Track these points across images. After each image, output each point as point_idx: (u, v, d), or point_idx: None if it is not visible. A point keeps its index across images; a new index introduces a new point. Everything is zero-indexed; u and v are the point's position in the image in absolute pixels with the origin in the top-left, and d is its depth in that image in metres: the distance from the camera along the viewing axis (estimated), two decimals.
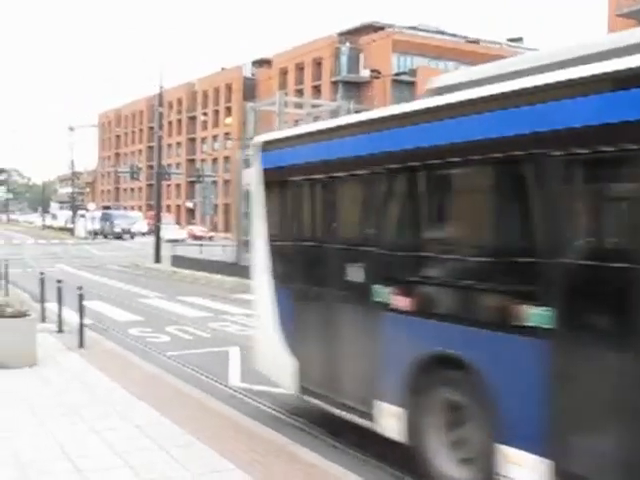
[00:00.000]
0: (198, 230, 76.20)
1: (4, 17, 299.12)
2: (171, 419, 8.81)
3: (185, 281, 31.27)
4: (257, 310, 10.38)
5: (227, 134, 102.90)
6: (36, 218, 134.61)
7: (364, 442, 8.33)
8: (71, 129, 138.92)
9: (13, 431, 8.30)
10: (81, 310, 13.77)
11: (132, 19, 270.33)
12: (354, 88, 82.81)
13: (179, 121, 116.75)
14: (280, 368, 9.68)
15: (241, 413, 9.41)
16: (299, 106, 38.00)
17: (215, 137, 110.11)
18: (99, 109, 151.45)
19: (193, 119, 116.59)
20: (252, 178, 10.54)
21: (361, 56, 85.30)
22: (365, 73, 79.10)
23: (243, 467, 7.21)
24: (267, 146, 10.25)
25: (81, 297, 13.82)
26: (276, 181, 9.96)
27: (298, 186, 9.48)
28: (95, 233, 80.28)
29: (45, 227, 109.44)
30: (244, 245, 29.85)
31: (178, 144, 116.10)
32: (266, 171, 10.12)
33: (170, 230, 67.63)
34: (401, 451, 7.63)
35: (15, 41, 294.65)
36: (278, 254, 9.85)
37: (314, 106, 39.06)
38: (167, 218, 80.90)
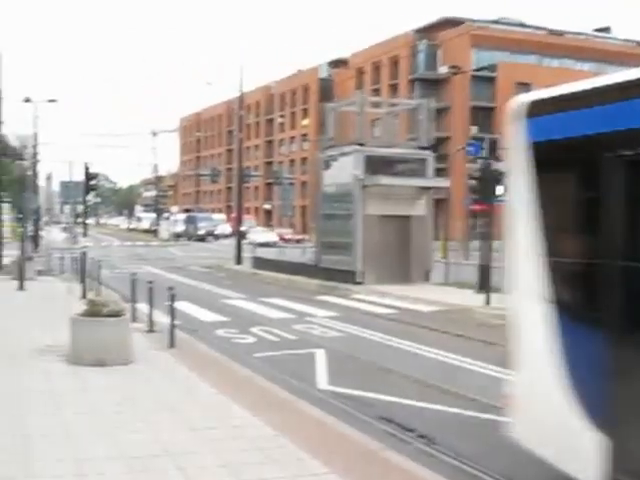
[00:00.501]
0: (288, 233, 75.38)
1: (87, 27, 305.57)
2: (264, 421, 8.91)
3: (266, 282, 31.59)
4: (519, 351, 7.07)
5: (304, 136, 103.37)
6: (122, 221, 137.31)
7: (459, 448, 8.34)
8: (154, 134, 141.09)
9: (118, 427, 8.56)
10: (172, 311, 14.03)
11: (212, 25, 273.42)
12: (431, 86, 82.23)
13: (257, 124, 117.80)
14: (568, 445, 6.31)
15: (331, 416, 9.44)
16: (376, 105, 37.96)
17: (292, 139, 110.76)
18: (180, 114, 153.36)
19: (270, 121, 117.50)
20: (510, 160, 7.38)
21: (439, 52, 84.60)
22: (443, 70, 78.49)
23: (337, 471, 7.22)
24: (539, 108, 6.85)
25: (172, 298, 14.09)
26: (561, 162, 6.66)
27: (612, 168, 5.86)
28: (178, 235, 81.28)
29: (130, 230, 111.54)
30: (323, 247, 30.10)
31: (256, 147, 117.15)
32: (539, 146, 6.78)
33: (260, 233, 67.32)
34: (499, 460, 7.59)
35: (101, 47, 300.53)
36: (572, 275, 6.56)
37: (392, 105, 38.99)
38: (248, 220, 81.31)
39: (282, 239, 67.81)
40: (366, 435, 8.60)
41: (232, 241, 48.70)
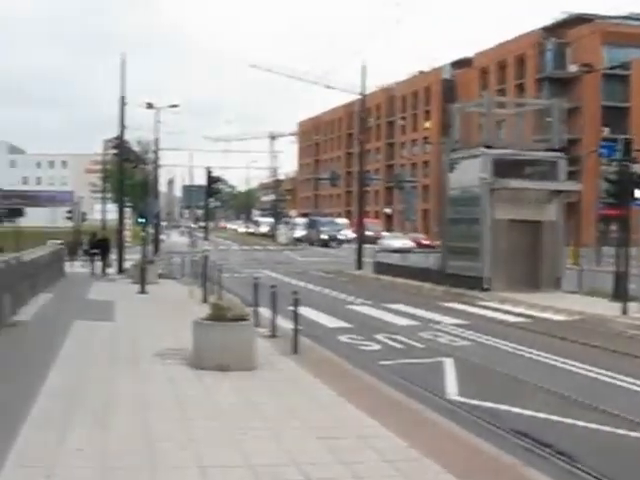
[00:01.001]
0: (423, 238, 71.14)
1: (198, 29, 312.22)
2: (393, 431, 8.53)
3: (389, 288, 31.15)
4: None
5: (426, 138, 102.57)
6: (240, 225, 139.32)
7: (603, 468, 7.74)
8: (272, 138, 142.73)
9: (242, 434, 8.31)
10: (296, 316, 13.80)
11: (331, 27, 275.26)
12: (560, 85, 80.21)
13: (378, 126, 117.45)
14: None
15: (462, 428, 9.02)
16: (502, 106, 36.97)
17: (414, 141, 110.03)
18: (299, 117, 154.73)
19: (391, 124, 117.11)
20: None
21: (567, 51, 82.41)
22: (573, 68, 76.40)
23: None
24: None
25: (296, 302, 13.86)
26: None
27: None
28: (298, 240, 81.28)
29: (248, 234, 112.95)
30: (449, 252, 29.43)
31: (377, 149, 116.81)
32: None
33: (395, 238, 63.72)
34: None
35: (219, 51, 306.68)
36: None
37: (518, 105, 37.95)
38: (374, 225, 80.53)
39: (418, 244, 62.71)
40: (501, 449, 8.16)
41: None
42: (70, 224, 59.73)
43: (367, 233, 71.88)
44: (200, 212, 76.43)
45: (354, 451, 7.80)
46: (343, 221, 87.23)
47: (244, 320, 12.23)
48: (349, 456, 7.60)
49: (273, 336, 15.22)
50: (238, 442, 8.00)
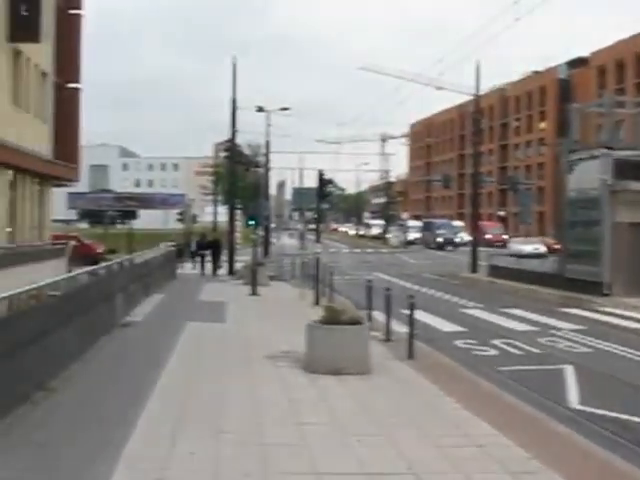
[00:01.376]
0: (553, 243, 63.33)
1: (309, 33, 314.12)
2: (514, 440, 8.17)
3: (504, 292, 30.46)
4: None
5: (541, 139, 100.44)
6: (350, 228, 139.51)
7: None
8: (383, 140, 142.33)
9: (358, 440, 8.09)
10: (411, 320, 13.55)
11: (440, 27, 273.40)
12: None
13: (490, 128, 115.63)
14: None
15: (587, 439, 8.57)
16: (621, 105, 35.68)
17: (528, 143, 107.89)
18: (410, 119, 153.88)
19: (505, 125, 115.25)
20: None
21: None
22: None
23: None
24: None
25: (411, 306, 13.62)
26: None
27: None
28: (412, 242, 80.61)
29: (359, 236, 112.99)
30: (567, 256, 28.59)
31: (490, 151, 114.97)
32: None
33: (526, 243, 57.79)
34: None
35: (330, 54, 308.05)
36: None
37: (638, 104, 36.58)
38: (494, 227, 78.91)
39: (550, 249, 53.61)
40: (633, 465, 7.68)
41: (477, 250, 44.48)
42: (181, 226, 60.79)
43: (486, 236, 71.14)
44: (310, 214, 76.71)
45: (474, 460, 7.50)
46: (459, 224, 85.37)
47: (359, 324, 12.02)
48: (469, 466, 7.31)
49: (387, 340, 14.98)
50: (353, 448, 7.79)
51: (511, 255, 41.00)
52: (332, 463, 7.28)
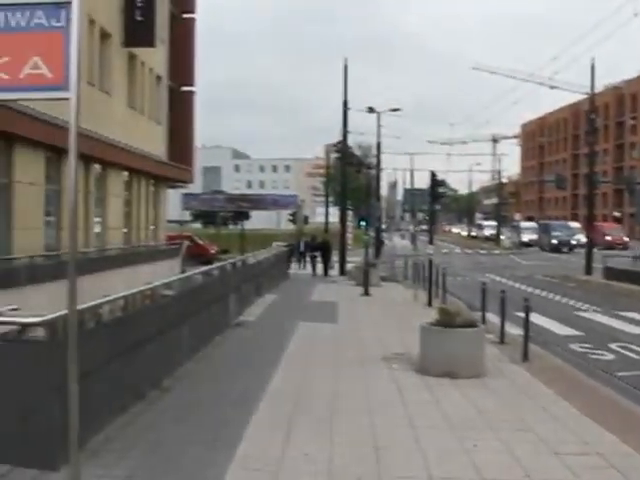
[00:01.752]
0: None
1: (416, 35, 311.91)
2: (636, 449, 7.85)
3: (620, 294, 29.54)
4: None
5: None
6: (461, 228, 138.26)
7: None
8: (495, 140, 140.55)
9: (473, 445, 7.94)
10: (526, 322, 13.26)
11: (558, 24, 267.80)
12: None
13: (605, 127, 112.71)
14: None
15: None
16: None
17: None
18: (522, 119, 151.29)
19: (621, 124, 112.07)
20: None
21: None
22: None
23: None
24: None
25: (527, 309, 13.32)
26: None
27: None
28: (526, 244, 79.13)
29: (471, 237, 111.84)
30: None
31: (604, 151, 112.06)
32: None
33: None
34: None
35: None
36: None
37: None
38: (614, 229, 76.63)
39: None
40: None
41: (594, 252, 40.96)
42: (292, 227, 61.27)
43: (606, 238, 69.14)
44: (421, 215, 76.31)
45: (595, 469, 7.24)
46: (576, 225, 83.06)
47: (474, 326, 11.84)
48: (590, 475, 7.06)
49: (501, 342, 14.69)
50: (468, 453, 7.63)
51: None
52: (447, 468, 7.15)
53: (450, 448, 7.81)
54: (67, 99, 5.70)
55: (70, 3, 5.67)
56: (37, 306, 8.32)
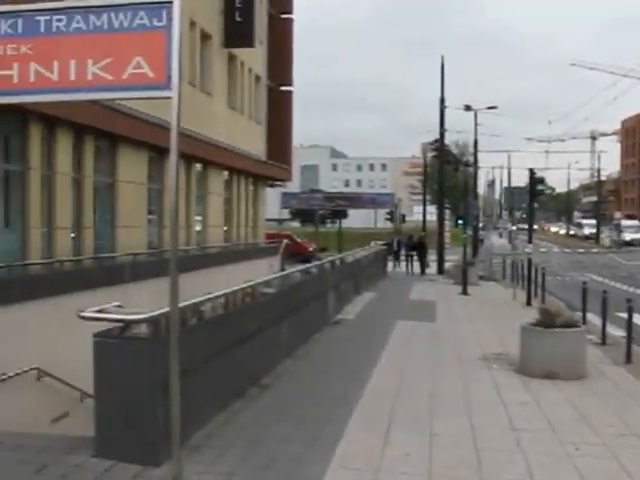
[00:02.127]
0: None
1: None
2: None
3: None
4: None
5: None
6: (559, 227, 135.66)
7: None
8: (593, 138, 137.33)
9: (576, 449, 7.75)
10: (629, 323, 12.96)
11: None
12: None
13: None
14: None
15: None
16: None
17: None
18: (622, 115, 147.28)
19: None
20: None
21: None
22: None
23: None
24: None
25: (630, 310, 13.01)
26: None
27: None
28: (627, 243, 77.21)
29: (570, 236, 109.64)
30: None
31: None
32: None
33: None
34: None
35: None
36: None
37: None
38: None
39: None
40: None
41: None
42: (390, 225, 61.14)
43: None
44: (519, 214, 75.25)
45: None
46: None
47: (575, 326, 11.61)
48: None
49: (603, 344, 14.37)
50: (571, 457, 7.47)
51: None
52: (550, 473, 7.03)
53: (552, 451, 7.66)
54: (169, 98, 5.79)
55: (171, 2, 5.75)
56: (140, 303, 8.46)
